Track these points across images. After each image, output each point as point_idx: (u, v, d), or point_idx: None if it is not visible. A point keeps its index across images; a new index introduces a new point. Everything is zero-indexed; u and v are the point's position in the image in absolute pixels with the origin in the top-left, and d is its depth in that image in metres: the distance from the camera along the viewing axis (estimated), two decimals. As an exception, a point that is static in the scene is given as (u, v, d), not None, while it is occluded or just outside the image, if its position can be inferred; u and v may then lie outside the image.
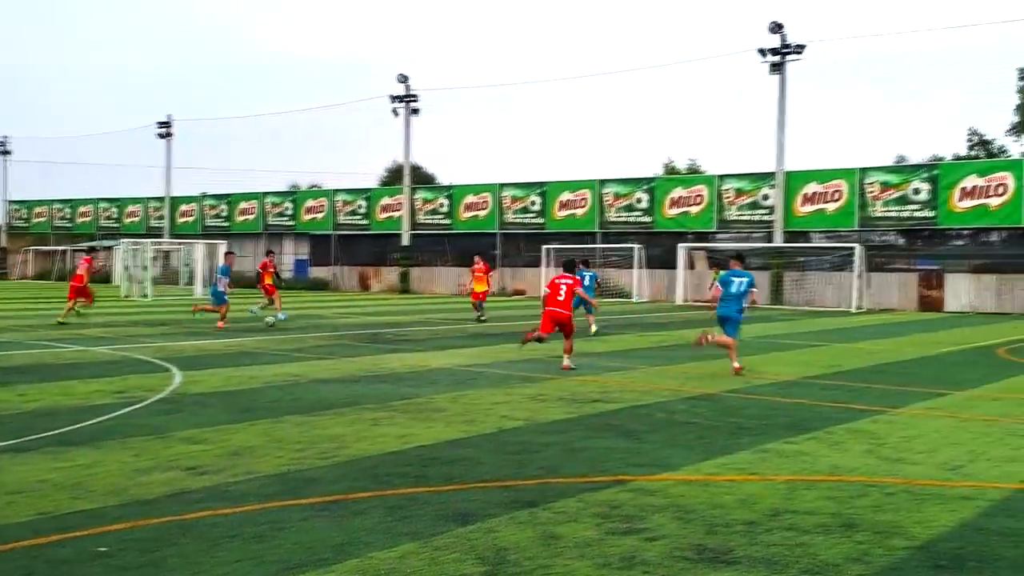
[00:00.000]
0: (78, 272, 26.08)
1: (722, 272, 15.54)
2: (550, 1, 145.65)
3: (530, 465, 7.53)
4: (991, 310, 34.13)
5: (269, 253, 28.10)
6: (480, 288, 26.19)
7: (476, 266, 26.83)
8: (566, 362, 14.81)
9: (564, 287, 15.14)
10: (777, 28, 38.19)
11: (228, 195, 61.34)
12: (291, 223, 57.53)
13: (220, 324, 22.00)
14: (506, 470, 7.35)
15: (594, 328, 21.34)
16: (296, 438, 8.60)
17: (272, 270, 26.00)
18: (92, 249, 43.54)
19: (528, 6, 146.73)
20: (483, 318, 25.63)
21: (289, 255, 58.18)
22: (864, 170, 38.01)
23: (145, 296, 39.67)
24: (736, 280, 14.63)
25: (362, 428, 9.15)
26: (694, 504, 6.35)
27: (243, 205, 60.07)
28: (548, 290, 15.74)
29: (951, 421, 9.94)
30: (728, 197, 41.23)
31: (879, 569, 5.08)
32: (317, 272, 55.23)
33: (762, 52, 38.63)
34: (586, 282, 19.89)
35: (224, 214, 61.07)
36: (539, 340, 15.34)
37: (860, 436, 8.97)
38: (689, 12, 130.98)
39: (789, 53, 38.39)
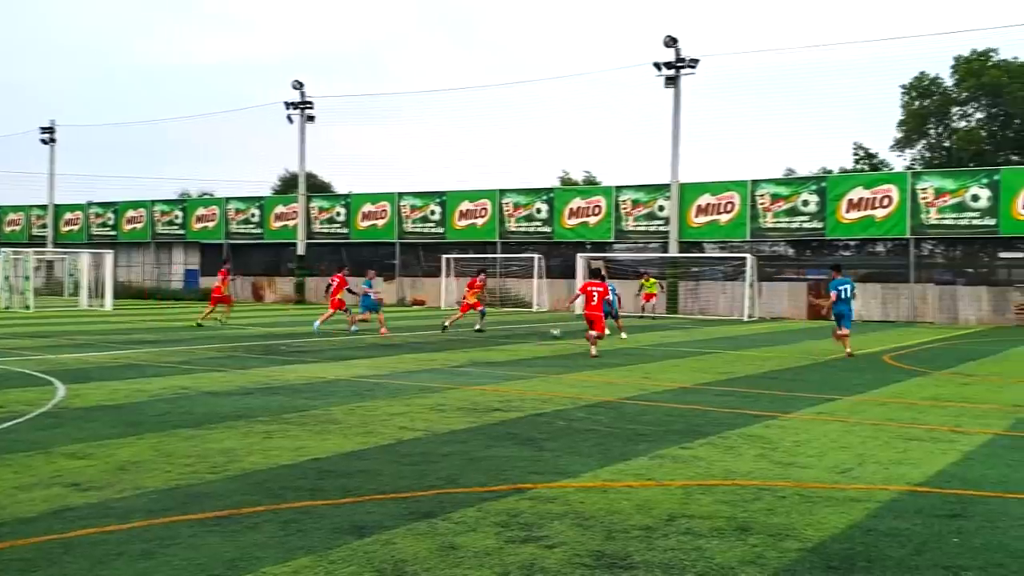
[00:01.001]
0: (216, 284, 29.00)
1: (833, 279, 19.83)
2: (447, 10, 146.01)
3: (429, 476, 7.45)
4: (877, 318, 35.49)
5: (342, 268, 28.08)
6: (472, 300, 26.32)
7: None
8: (595, 351, 18.32)
9: (596, 294, 19.01)
10: (672, 42, 39.05)
11: (115, 203, 59.36)
12: (181, 232, 56.00)
13: (383, 331, 24.53)
14: (404, 481, 7.24)
15: (624, 334, 24.36)
16: (185, 452, 8.32)
17: (345, 285, 26.38)
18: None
19: (424, 15, 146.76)
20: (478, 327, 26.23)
21: (179, 265, 56.62)
22: (755, 182, 39.16)
23: (27, 308, 38.03)
24: (843, 287, 19.28)
25: (255, 441, 8.91)
26: (592, 511, 6.37)
27: (131, 213, 58.23)
28: (582, 295, 19.83)
29: (840, 426, 10.24)
30: (625, 208, 41.90)
31: (773, 571, 5.17)
32: (208, 282, 53.82)
33: (657, 66, 39.44)
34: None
35: (111, 222, 59.08)
36: (599, 338, 18.95)
37: (753, 441, 9.16)
38: (585, 25, 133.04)
39: (684, 67, 39.29)
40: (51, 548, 5.43)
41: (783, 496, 6.89)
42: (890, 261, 37.77)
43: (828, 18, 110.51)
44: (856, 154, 59.02)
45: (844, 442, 9.19)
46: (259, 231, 53.03)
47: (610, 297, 22.53)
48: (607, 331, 21.03)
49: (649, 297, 36.98)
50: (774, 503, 6.67)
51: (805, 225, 37.80)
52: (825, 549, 5.59)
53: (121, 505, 6.44)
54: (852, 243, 39.50)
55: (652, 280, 37.73)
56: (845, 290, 19.20)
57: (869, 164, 57.55)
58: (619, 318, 25.11)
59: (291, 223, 51.51)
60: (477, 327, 26.15)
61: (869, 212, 36.41)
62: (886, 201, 36.06)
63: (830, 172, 53.98)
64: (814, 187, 38.15)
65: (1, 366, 15.60)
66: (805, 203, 37.74)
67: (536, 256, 42.19)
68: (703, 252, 41.03)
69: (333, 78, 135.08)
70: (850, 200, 36.78)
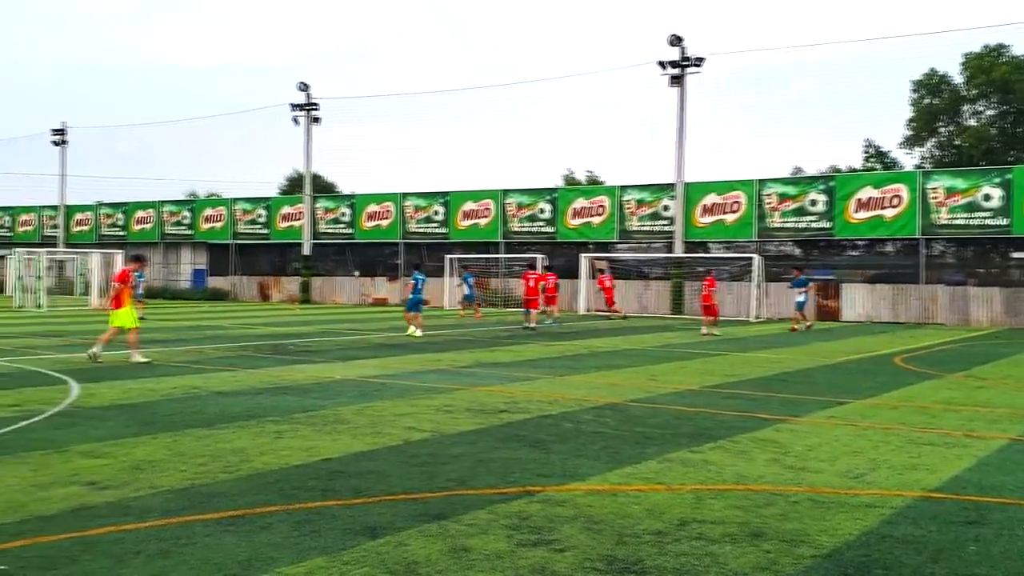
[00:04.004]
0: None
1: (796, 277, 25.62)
2: (450, 10, 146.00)
3: (438, 477, 7.48)
4: (886, 319, 35.40)
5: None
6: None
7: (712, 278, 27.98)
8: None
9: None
10: (677, 41, 38.98)
11: (124, 204, 59.55)
12: (189, 232, 56.14)
13: (478, 315, 30.05)
14: (414, 482, 7.28)
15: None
16: (199, 452, 8.37)
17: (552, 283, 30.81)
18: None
19: (427, 15, 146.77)
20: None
21: (187, 265, 56.77)
22: (762, 181, 39.06)
23: (39, 307, 38.18)
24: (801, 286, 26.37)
25: (266, 441, 8.95)
26: (603, 514, 6.39)
27: (140, 214, 58.42)
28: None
29: (851, 429, 10.22)
30: (629, 208, 41.86)
31: (787, 577, 5.17)
32: (215, 282, 54.02)
33: (662, 64, 39.38)
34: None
35: (120, 223, 59.28)
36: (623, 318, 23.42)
37: (764, 445, 9.15)
38: (589, 24, 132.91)
39: (689, 66, 39.22)
40: (71, 546, 5.49)
41: (796, 501, 6.89)
42: (900, 262, 37.64)
43: (836, 15, 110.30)
44: (867, 151, 58.78)
45: (856, 446, 9.17)
46: (266, 231, 53.13)
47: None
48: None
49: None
50: (787, 508, 6.67)
51: (813, 225, 37.71)
52: (840, 556, 5.58)
53: (138, 504, 6.49)
54: (861, 243, 39.38)
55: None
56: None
57: (880, 163, 57.35)
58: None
59: (297, 223, 51.60)
60: (535, 325, 27.94)
61: (878, 212, 36.29)
62: (896, 201, 35.95)
63: (839, 171, 53.84)
64: (822, 186, 38.05)
65: (16, 365, 15.69)
66: (813, 203, 37.66)
67: (539, 256, 42.14)
68: (709, 252, 40.97)
69: (338, 79, 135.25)
70: (859, 200, 36.66)
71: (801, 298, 30.16)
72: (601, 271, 37.69)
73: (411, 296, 25.07)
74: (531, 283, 29.11)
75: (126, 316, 16.62)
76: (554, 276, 33.13)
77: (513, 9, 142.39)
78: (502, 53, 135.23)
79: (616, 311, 35.58)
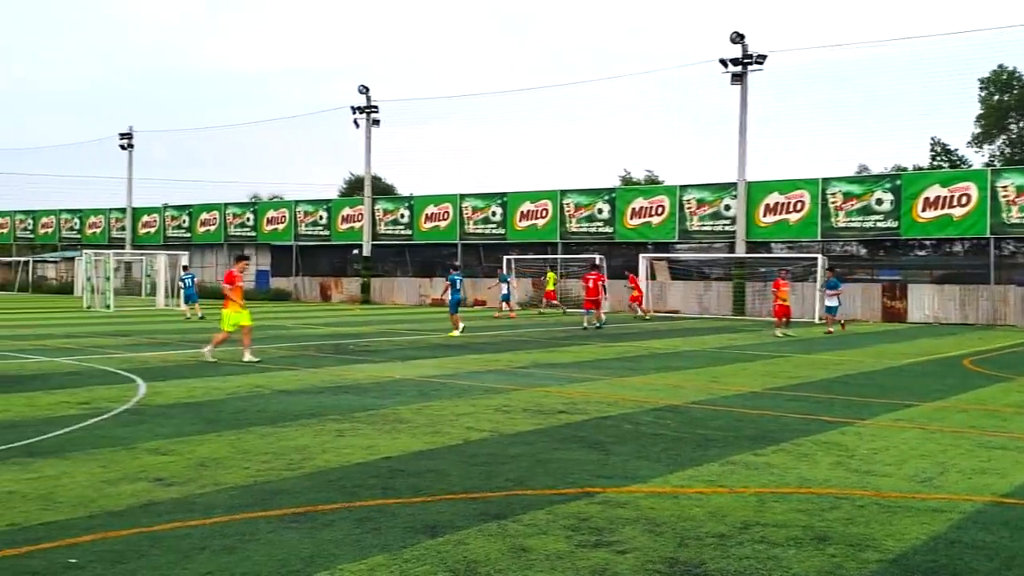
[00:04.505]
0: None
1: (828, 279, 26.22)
2: (507, 11, 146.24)
3: (497, 477, 7.48)
4: (955, 321, 34.58)
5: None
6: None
7: (781, 279, 27.56)
8: None
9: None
10: (739, 38, 38.55)
11: (189, 206, 60.78)
12: (252, 234, 57.08)
13: (512, 315, 31.69)
14: (473, 482, 7.29)
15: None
16: (262, 449, 8.49)
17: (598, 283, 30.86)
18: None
19: (485, 17, 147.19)
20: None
21: (251, 265, 57.74)
22: (826, 180, 38.39)
23: (107, 307, 39.14)
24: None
25: (327, 439, 9.05)
26: (664, 517, 6.33)
27: (204, 216, 59.57)
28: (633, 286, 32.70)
29: (919, 433, 10.00)
30: (690, 207, 41.46)
31: (851, 581, 5.07)
32: (278, 283, 54.82)
33: (723, 62, 38.97)
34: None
35: (185, 225, 60.51)
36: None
37: (828, 448, 8.99)
38: (649, 23, 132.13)
39: (751, 63, 38.75)
40: (138, 541, 5.59)
41: (861, 505, 6.75)
42: (969, 262, 36.75)
43: (900, 11, 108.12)
44: (933, 150, 57.52)
45: (924, 450, 8.97)
46: (327, 233, 53.78)
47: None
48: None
49: (551, 295, 38.34)
50: (852, 512, 6.54)
51: (879, 224, 36.96)
52: (907, 561, 5.45)
53: (203, 501, 6.60)
54: (928, 243, 38.54)
55: (553, 276, 38.35)
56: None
57: (947, 160, 56.05)
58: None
59: (357, 225, 52.14)
60: (597, 324, 28.46)
61: (946, 211, 35.43)
62: (964, 199, 35.06)
63: (905, 170, 52.74)
64: (888, 185, 37.30)
65: (86, 364, 16.09)
66: (879, 202, 36.91)
67: (597, 256, 41.97)
68: (771, 252, 40.42)
69: (397, 82, 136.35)
70: (926, 198, 35.85)
71: (833, 302, 29.04)
72: (593, 268, 37.39)
73: (452, 296, 25.31)
74: (591, 284, 29.50)
75: (230, 317, 16.63)
76: (600, 276, 33.33)
77: (572, 8, 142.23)
78: (560, 53, 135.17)
79: (644, 310, 35.92)
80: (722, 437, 9.49)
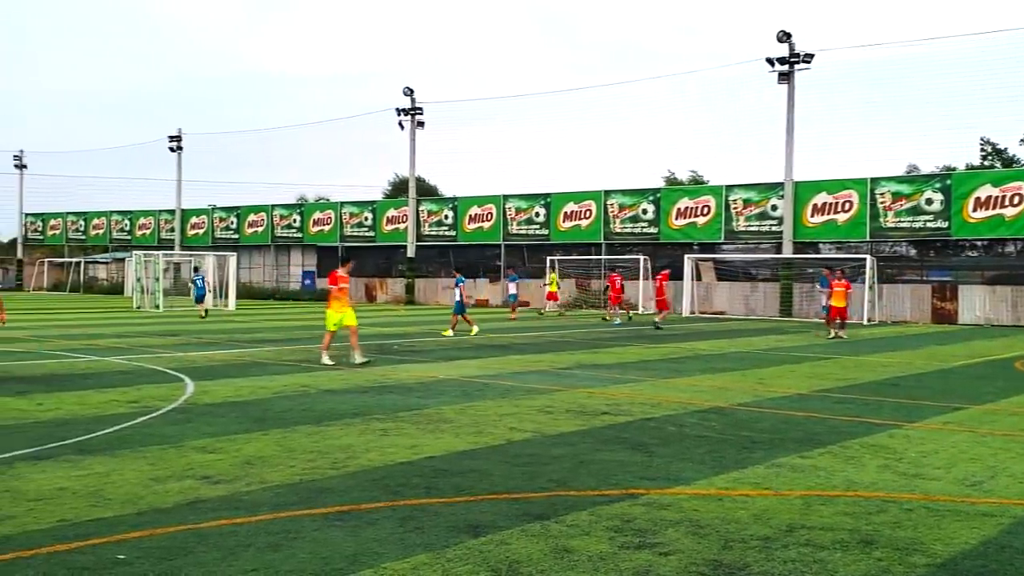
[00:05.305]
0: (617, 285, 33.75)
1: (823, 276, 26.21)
2: (549, 11, 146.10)
3: (540, 477, 7.48)
4: (1006, 323, 33.92)
5: (615, 269, 35.59)
6: (839, 303, 26.27)
7: (836, 280, 26.82)
8: None
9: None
10: (785, 37, 38.17)
11: (237, 207, 61.58)
12: (299, 235, 57.71)
13: (513, 316, 32.49)
14: (516, 482, 7.29)
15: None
16: (307, 448, 8.58)
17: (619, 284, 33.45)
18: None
19: (527, 17, 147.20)
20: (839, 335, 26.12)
21: (297, 267, 58.35)
22: (875, 180, 37.86)
23: (157, 307, 39.81)
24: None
25: (372, 438, 9.12)
26: (708, 519, 6.28)
27: (252, 217, 60.33)
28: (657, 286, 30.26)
29: (969, 436, 9.82)
30: (736, 207, 41.10)
31: (899, 585, 5.00)
32: (324, 283, 55.27)
33: (770, 61, 38.61)
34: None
35: (233, 226, 61.32)
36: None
37: (876, 451, 8.86)
38: (693, 22, 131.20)
39: (797, 62, 38.34)
40: (186, 538, 5.67)
41: (909, 509, 6.65)
42: (1021, 262, 36.00)
43: (950, 8, 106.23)
44: (983, 149, 56.38)
45: (974, 453, 8.80)
46: (371, 234, 54.20)
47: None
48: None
49: (553, 296, 38.20)
50: (900, 516, 6.44)
51: (929, 225, 36.37)
52: (956, 566, 5.36)
53: (249, 498, 6.68)
54: (979, 243, 37.82)
55: (554, 277, 37.95)
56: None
57: (999, 160, 54.90)
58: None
59: (401, 226, 52.47)
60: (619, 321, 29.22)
61: (998, 211, 34.75)
62: (1016, 199, 34.34)
63: (955, 169, 51.81)
64: (938, 185, 36.68)
65: (136, 363, 16.38)
66: (929, 201, 36.31)
67: (642, 257, 41.80)
68: (819, 253, 39.94)
69: (439, 84, 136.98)
70: (977, 198, 35.20)
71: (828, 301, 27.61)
72: (612, 270, 37.43)
73: (458, 299, 25.76)
74: (618, 284, 31.08)
75: (332, 316, 16.46)
76: (620, 276, 34.38)
77: (615, 8, 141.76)
78: (603, 54, 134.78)
79: (620, 312, 35.23)
80: (768, 439, 9.40)
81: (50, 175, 75.14)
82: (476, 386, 13.55)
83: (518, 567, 5.18)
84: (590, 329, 28.61)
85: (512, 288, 36.26)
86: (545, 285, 39.76)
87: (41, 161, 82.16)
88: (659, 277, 31.20)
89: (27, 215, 74.30)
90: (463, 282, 26.22)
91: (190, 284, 37.37)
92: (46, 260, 70.53)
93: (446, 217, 51.10)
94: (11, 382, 13.31)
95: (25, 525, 5.91)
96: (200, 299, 35.12)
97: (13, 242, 75.24)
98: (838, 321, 26.38)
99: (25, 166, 72.22)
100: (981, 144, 56.83)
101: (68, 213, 71.74)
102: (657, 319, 29.39)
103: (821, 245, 40.36)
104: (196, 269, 38.00)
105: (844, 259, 37.64)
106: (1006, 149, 56.40)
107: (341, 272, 16.87)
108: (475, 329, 25.15)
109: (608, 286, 33.92)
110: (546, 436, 9.40)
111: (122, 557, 5.27)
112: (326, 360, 16.33)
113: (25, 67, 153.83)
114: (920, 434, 9.89)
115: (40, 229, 73.87)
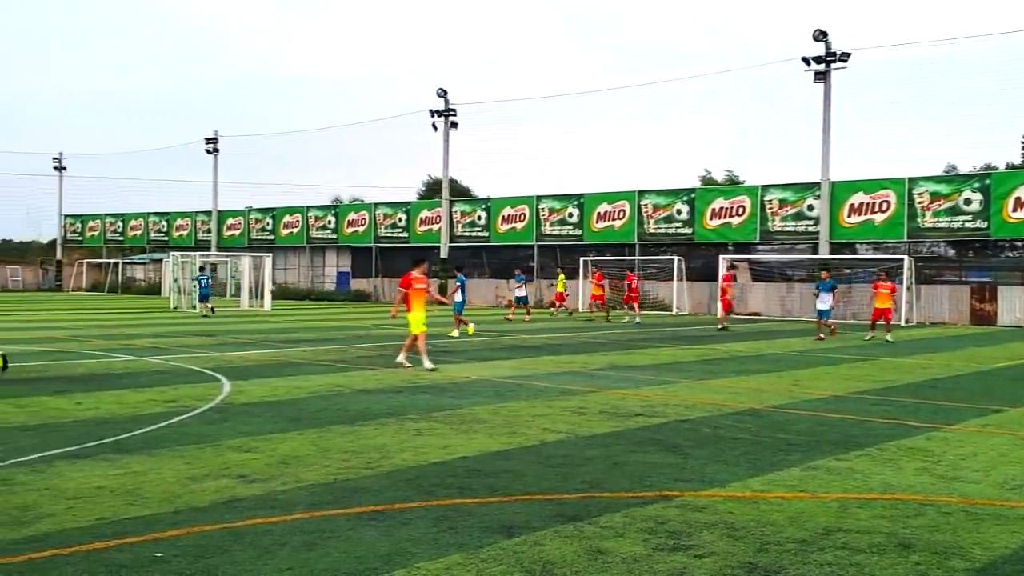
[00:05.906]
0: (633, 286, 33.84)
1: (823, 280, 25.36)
2: (584, 12, 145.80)
3: (573, 478, 7.47)
4: (1047, 324, 33.35)
5: (630, 271, 36.16)
6: (884, 304, 25.45)
7: (882, 281, 26.15)
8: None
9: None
10: (822, 36, 37.83)
11: (273, 209, 62.12)
12: (333, 236, 58.08)
13: (527, 317, 32.57)
14: (550, 483, 7.29)
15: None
16: (342, 448, 8.63)
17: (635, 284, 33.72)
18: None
19: (561, 17, 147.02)
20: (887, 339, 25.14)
21: (331, 267, 58.73)
22: (913, 180, 37.39)
23: (194, 308, 40.21)
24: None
25: (406, 438, 9.15)
26: (743, 521, 6.24)
27: (287, 219, 60.83)
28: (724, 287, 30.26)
29: (1009, 439, 9.68)
30: (771, 208, 40.78)
31: (937, 590, 4.94)
32: (358, 284, 55.69)
33: (806, 60, 38.29)
34: None
35: (269, 227, 61.85)
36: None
37: (913, 453, 8.76)
38: (728, 22, 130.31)
39: (834, 61, 37.98)
40: (222, 537, 5.73)
41: (947, 512, 6.56)
42: (1062, 263, 35.43)
43: (986, 5, 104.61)
44: (1024, 149, 55.47)
45: (1014, 456, 8.67)
46: (405, 235, 54.41)
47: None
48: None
49: (561, 298, 37.96)
50: (938, 519, 6.36)
51: (968, 225, 35.85)
52: (995, 570, 5.29)
53: (284, 497, 6.73)
54: (1019, 244, 37.22)
55: (562, 278, 37.67)
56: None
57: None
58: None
59: (435, 227, 52.63)
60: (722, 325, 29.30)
61: (1039, 211, 34.21)
62: (1058, 200, 33.80)
63: (995, 168, 51.03)
64: (977, 185, 36.15)
65: (173, 363, 16.56)
66: (968, 202, 35.80)
67: (676, 258, 41.59)
68: (856, 253, 39.50)
69: (473, 85, 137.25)
70: (1017, 198, 34.64)
71: (824, 305, 25.60)
72: (597, 268, 37.29)
73: (459, 299, 25.69)
74: (634, 284, 31.48)
75: (413, 320, 16.27)
76: (636, 277, 34.79)
77: (646, 10, 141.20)
78: (636, 54, 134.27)
79: (603, 311, 35.58)
80: (804, 441, 9.32)
81: (89, 177, 76.32)
82: (509, 387, 13.56)
83: (552, 568, 5.18)
84: (623, 330, 28.50)
85: (519, 290, 35.28)
86: (552, 286, 39.80)
87: (80, 163, 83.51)
88: (724, 277, 31.46)
89: (66, 216, 75.50)
90: (463, 281, 26.09)
91: (194, 283, 37.73)
92: (85, 261, 71.65)
93: (479, 218, 51.19)
94: (51, 381, 13.52)
95: (64, 523, 5.99)
96: (204, 299, 35.52)
97: (53, 243, 76.44)
98: (881, 323, 25.69)
99: (64, 168, 73.47)
100: (1022, 143, 55.93)
101: (106, 214, 72.80)
102: (724, 322, 29.71)
103: (858, 245, 39.92)
104: (201, 269, 38.28)
105: (881, 259, 37.22)
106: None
107: (416, 273, 16.61)
108: (470, 328, 24.93)
109: (628, 284, 33.82)
110: (580, 437, 9.38)
111: (159, 555, 5.33)
112: (429, 365, 15.75)
113: (64, 70, 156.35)
114: (959, 437, 9.76)
115: (79, 230, 75.01)
